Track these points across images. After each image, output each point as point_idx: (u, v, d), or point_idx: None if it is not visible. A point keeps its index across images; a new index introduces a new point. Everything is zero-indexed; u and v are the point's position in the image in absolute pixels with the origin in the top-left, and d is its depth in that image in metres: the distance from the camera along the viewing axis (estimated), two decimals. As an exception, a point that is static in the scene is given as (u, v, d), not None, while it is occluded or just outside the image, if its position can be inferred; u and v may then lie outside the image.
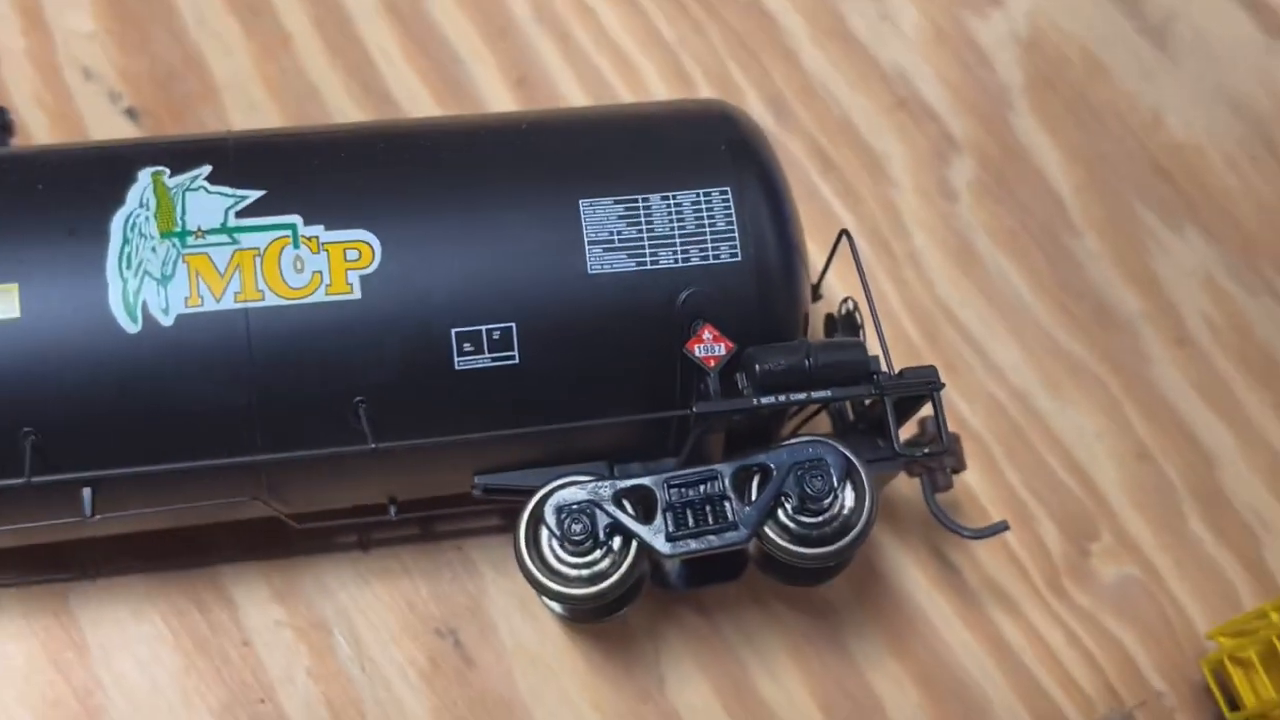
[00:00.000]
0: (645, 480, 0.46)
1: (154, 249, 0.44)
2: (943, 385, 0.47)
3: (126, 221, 0.44)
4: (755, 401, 0.45)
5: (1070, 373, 0.61)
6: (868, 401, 0.49)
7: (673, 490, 0.46)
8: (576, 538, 0.45)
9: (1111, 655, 0.56)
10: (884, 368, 0.48)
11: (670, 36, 0.65)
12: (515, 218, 0.46)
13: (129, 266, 0.43)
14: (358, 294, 0.44)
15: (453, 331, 0.45)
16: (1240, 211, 0.64)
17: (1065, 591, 0.57)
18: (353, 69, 0.62)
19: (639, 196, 0.46)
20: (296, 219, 0.45)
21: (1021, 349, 0.61)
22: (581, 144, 0.48)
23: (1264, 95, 0.66)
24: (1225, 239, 0.64)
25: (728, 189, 0.47)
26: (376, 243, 0.45)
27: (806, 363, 0.45)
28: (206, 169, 0.45)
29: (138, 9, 0.62)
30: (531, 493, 0.47)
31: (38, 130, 0.59)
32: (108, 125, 0.59)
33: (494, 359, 0.45)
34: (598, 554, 0.46)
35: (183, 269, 0.44)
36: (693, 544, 0.45)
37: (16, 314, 0.43)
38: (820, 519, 0.46)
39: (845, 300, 0.51)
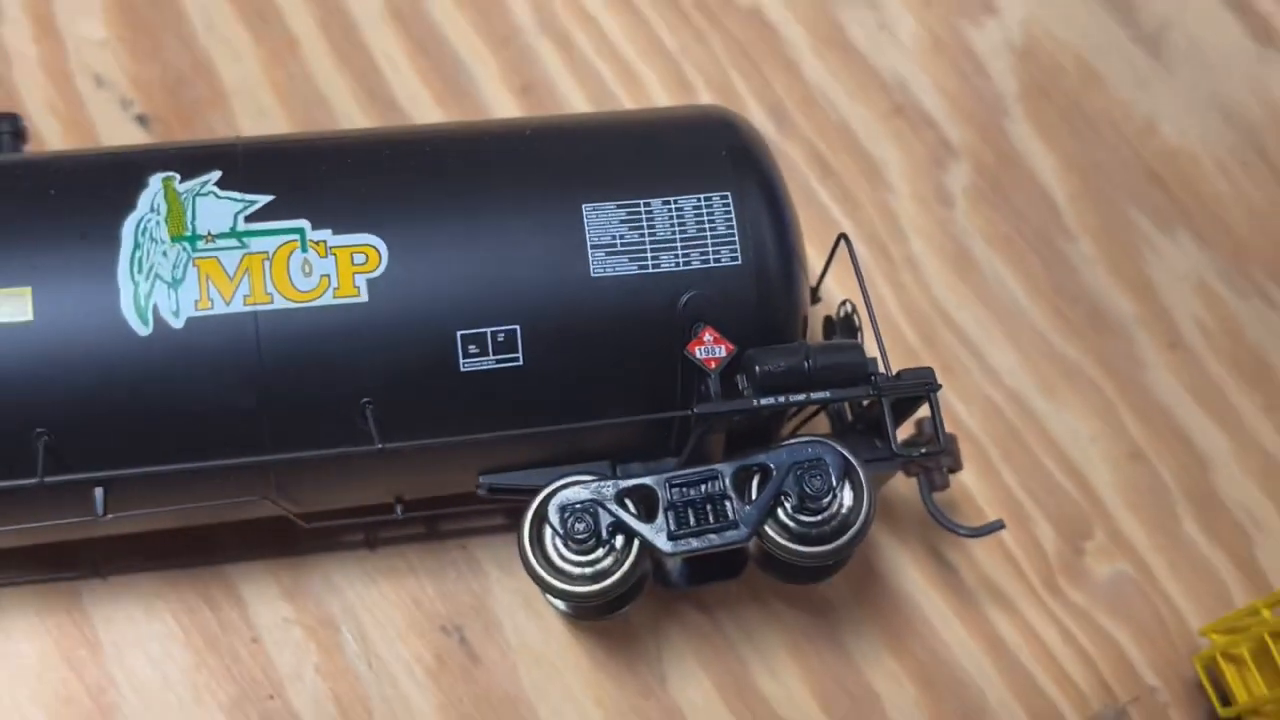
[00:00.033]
0: (647, 480, 0.46)
1: (165, 253, 0.44)
2: (939, 387, 0.47)
3: (138, 226, 0.44)
4: (755, 402, 0.45)
5: (1065, 375, 0.61)
6: (866, 402, 0.49)
7: (674, 490, 0.46)
8: (580, 536, 0.45)
9: (1106, 652, 0.56)
10: (882, 369, 0.48)
11: (672, 45, 0.65)
12: (519, 222, 0.46)
13: (140, 270, 0.44)
14: (365, 297, 0.44)
15: (458, 334, 0.45)
16: (1232, 217, 0.64)
17: (1060, 589, 0.57)
18: (360, 76, 0.62)
19: (641, 201, 0.46)
20: (304, 223, 0.45)
21: (1017, 352, 0.61)
22: (584, 150, 0.48)
23: (1256, 103, 0.66)
24: (1217, 244, 0.64)
25: (728, 194, 0.47)
26: (383, 247, 0.45)
27: (806, 364, 0.45)
28: (216, 174, 0.45)
29: (148, 16, 0.62)
30: (535, 492, 0.47)
31: (50, 137, 0.59)
32: (119, 132, 0.60)
33: (498, 361, 0.45)
34: (601, 552, 0.46)
35: (193, 273, 0.44)
36: (694, 542, 0.45)
37: (30, 317, 0.43)
38: (819, 518, 0.46)
39: (844, 303, 0.51)
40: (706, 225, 0.47)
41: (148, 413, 0.44)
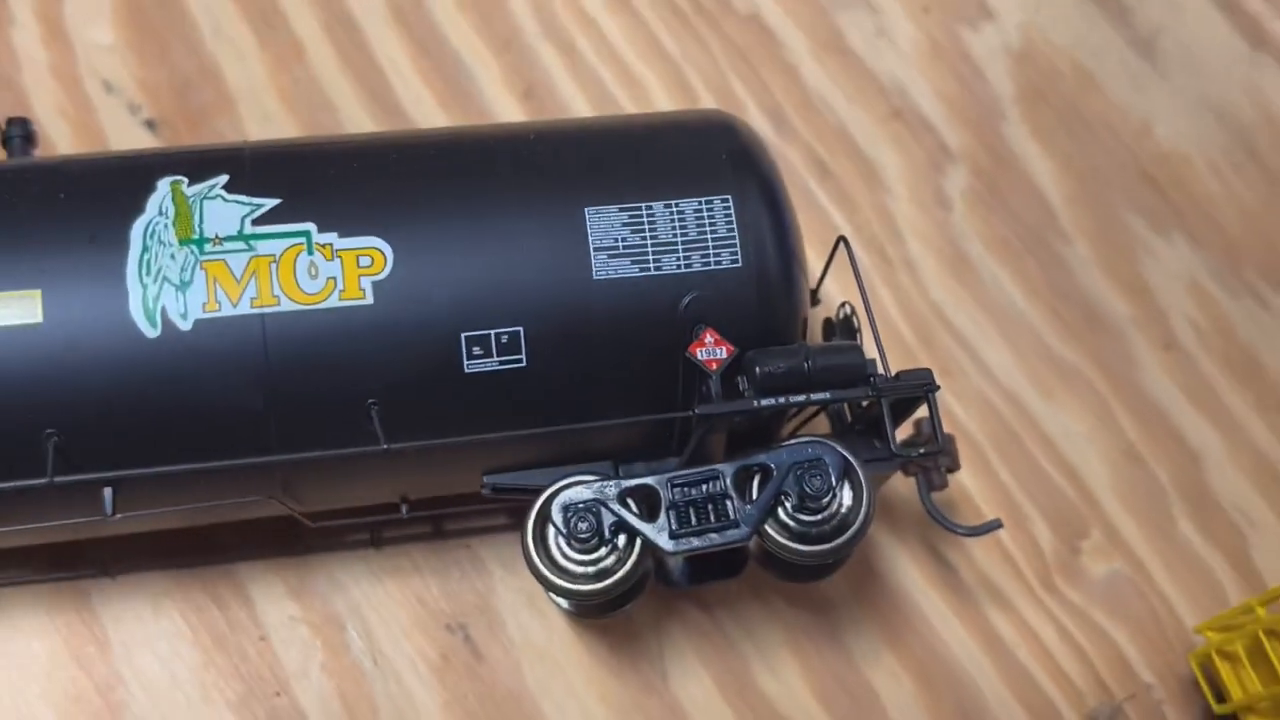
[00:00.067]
0: (649, 480, 0.46)
1: (173, 256, 0.44)
2: (937, 387, 0.48)
3: (146, 229, 0.44)
4: (756, 403, 0.45)
5: (1061, 376, 0.61)
6: (865, 403, 0.49)
7: (676, 489, 0.46)
8: (583, 535, 0.45)
9: (1102, 649, 0.57)
10: (880, 371, 0.48)
11: (673, 50, 0.65)
12: (522, 225, 0.46)
13: (148, 273, 0.44)
14: (370, 299, 0.44)
15: (462, 335, 0.45)
16: (1225, 218, 0.65)
17: (1057, 588, 0.57)
18: (364, 81, 0.62)
19: (643, 204, 0.47)
20: (311, 226, 0.45)
21: (1014, 352, 0.61)
22: (587, 153, 0.48)
23: (1248, 105, 0.67)
24: (1210, 245, 0.64)
25: (729, 197, 0.47)
26: (388, 249, 0.45)
27: (805, 365, 0.46)
28: (223, 178, 0.46)
29: (156, 22, 0.62)
30: (539, 492, 0.47)
31: (60, 141, 0.59)
32: (127, 136, 0.60)
33: (502, 362, 0.45)
34: (603, 551, 0.46)
35: (201, 275, 0.44)
36: (695, 541, 0.46)
37: (40, 319, 0.43)
38: (819, 517, 0.46)
39: (843, 305, 0.52)
40: (707, 228, 0.47)
41: (156, 413, 0.44)
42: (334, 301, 0.44)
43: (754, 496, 0.47)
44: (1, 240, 0.44)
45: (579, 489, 0.46)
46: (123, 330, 0.43)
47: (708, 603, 0.56)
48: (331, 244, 0.45)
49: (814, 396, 0.46)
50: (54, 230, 0.44)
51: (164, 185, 0.45)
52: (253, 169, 0.46)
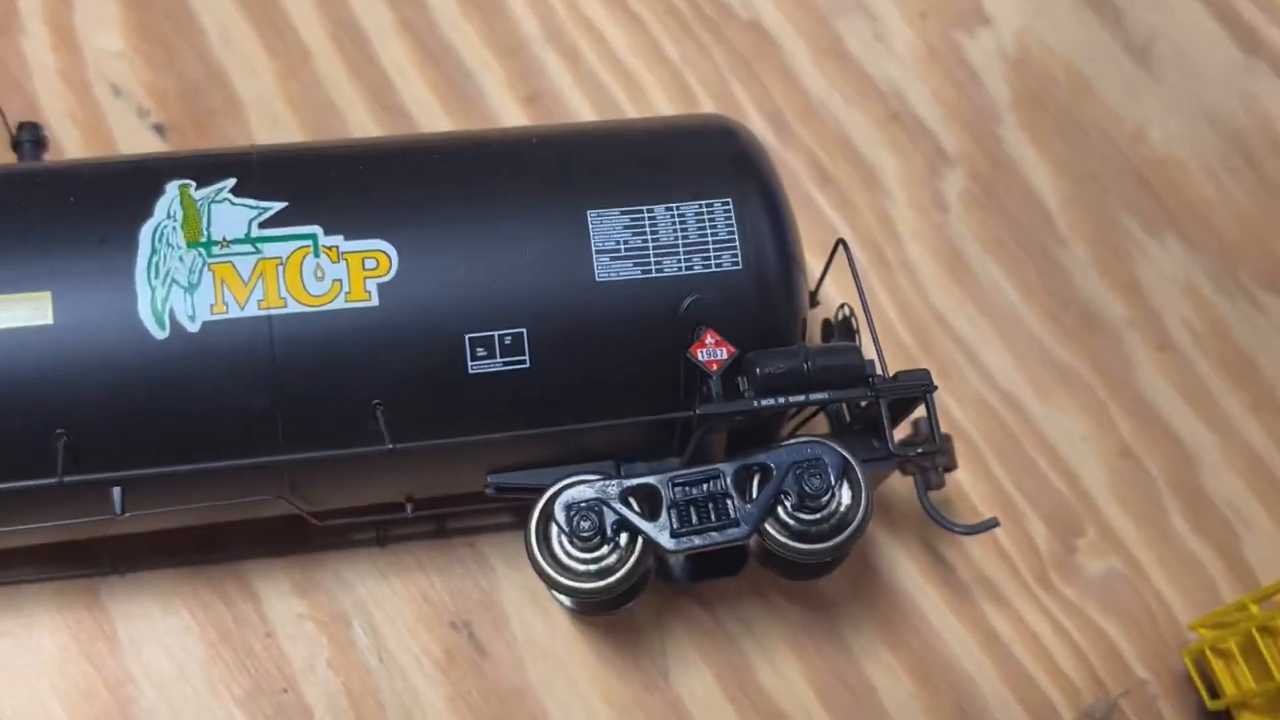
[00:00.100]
0: (651, 479, 0.46)
1: (181, 258, 0.44)
2: (935, 388, 0.48)
3: (154, 232, 0.45)
4: (756, 403, 0.45)
5: (1058, 376, 0.61)
6: (863, 403, 0.50)
7: (677, 488, 0.46)
8: (585, 534, 0.46)
9: (1097, 646, 0.57)
10: (879, 371, 0.48)
11: (675, 55, 0.65)
12: (526, 228, 0.46)
13: (157, 275, 0.44)
14: (376, 301, 0.45)
15: (466, 337, 0.45)
16: (1219, 221, 0.65)
17: (1053, 585, 0.58)
18: (371, 86, 0.63)
19: (644, 208, 0.47)
20: (317, 229, 0.45)
21: (1011, 354, 0.62)
22: (589, 157, 0.49)
23: (1242, 110, 0.67)
24: (1205, 248, 0.64)
25: (729, 200, 0.47)
26: (394, 252, 0.45)
27: (805, 366, 0.46)
28: (231, 181, 0.46)
29: (165, 28, 0.62)
30: (542, 491, 0.47)
31: (69, 145, 0.60)
32: (136, 140, 0.60)
33: (506, 363, 0.46)
34: (605, 550, 0.46)
35: (208, 277, 0.44)
36: (696, 540, 0.46)
37: (49, 321, 0.43)
38: (818, 516, 0.47)
39: (842, 307, 0.52)
40: (708, 231, 0.47)
41: (164, 414, 0.44)
42: (340, 303, 0.45)
43: (754, 495, 0.47)
44: (12, 243, 0.44)
45: (581, 488, 0.47)
46: (132, 332, 0.44)
47: (709, 600, 0.56)
48: (337, 246, 0.45)
49: (813, 397, 0.46)
50: (64, 233, 0.45)
51: (172, 189, 0.46)
52: (260, 173, 0.46)
